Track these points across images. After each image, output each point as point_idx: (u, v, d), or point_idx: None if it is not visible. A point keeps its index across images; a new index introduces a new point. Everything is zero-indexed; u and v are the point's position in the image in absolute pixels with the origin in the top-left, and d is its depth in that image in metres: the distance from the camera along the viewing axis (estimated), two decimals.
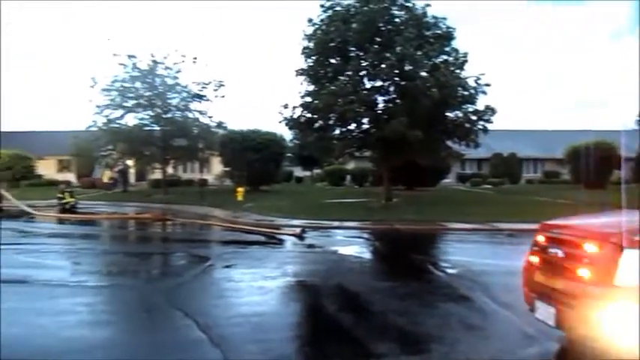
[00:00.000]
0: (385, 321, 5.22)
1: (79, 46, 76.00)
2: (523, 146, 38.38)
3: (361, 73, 17.45)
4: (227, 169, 28.10)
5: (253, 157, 24.58)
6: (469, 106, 17.69)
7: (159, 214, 15.94)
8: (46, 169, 35.27)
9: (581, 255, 3.43)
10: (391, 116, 16.57)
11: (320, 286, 6.94)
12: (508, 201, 20.17)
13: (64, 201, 17.84)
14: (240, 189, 20.13)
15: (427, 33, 17.72)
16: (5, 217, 15.89)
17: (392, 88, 17.79)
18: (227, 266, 8.05)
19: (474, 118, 17.69)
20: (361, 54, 17.56)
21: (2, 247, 10.41)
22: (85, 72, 68.30)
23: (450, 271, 7.92)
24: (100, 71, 38.75)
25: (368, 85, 17.86)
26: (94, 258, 9.66)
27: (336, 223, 13.75)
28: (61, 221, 15.68)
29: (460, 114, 17.80)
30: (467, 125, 17.69)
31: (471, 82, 17.47)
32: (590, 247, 3.37)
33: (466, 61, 17.67)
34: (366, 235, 12.39)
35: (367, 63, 17.36)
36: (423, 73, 16.63)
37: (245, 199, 19.21)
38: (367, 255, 10.44)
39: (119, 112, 24.04)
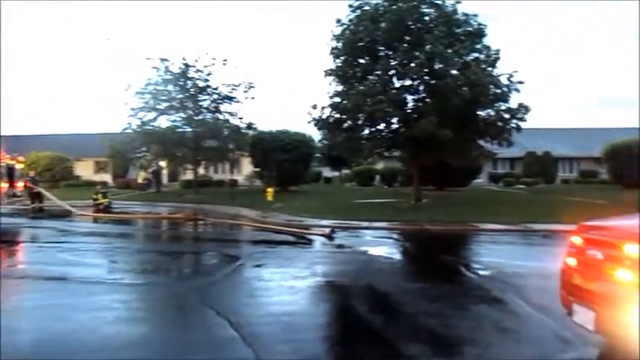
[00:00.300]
0: (416, 322, 5.18)
1: (101, 47, 78.17)
2: (558, 145, 37.25)
3: (390, 73, 17.32)
4: (257, 169, 28.41)
5: (282, 158, 24.79)
6: (502, 104, 17.31)
7: (190, 213, 16.27)
8: (84, 170, 36.53)
9: (621, 257, 3.32)
10: (421, 115, 16.39)
11: (350, 286, 6.93)
12: (542, 201, 19.64)
13: (98, 202, 18.43)
14: (269, 189, 20.31)
15: (457, 30, 17.43)
16: (46, 217, 16.57)
17: (421, 87, 17.61)
18: (257, 265, 8.14)
19: (506, 116, 17.30)
20: (390, 53, 17.44)
21: (44, 244, 10.90)
22: (100, 73, 70.67)
23: (482, 272, 7.77)
24: (134, 75, 39.89)
25: (397, 84, 17.71)
26: (129, 256, 9.94)
27: (365, 224, 13.69)
28: (96, 220, 16.19)
29: (492, 112, 17.45)
30: (499, 124, 17.31)
31: (504, 80, 17.09)
32: (631, 249, 3.26)
33: (498, 58, 17.29)
34: (395, 236, 12.30)
35: (396, 62, 17.22)
36: (454, 72, 16.36)
37: (274, 200, 19.38)
38: (397, 256, 10.36)
39: (152, 115, 24.65)
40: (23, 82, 74.42)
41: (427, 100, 17.38)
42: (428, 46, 16.25)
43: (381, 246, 10.65)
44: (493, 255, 9.68)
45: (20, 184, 17.20)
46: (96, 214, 17.13)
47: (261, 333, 4.74)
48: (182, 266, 9.12)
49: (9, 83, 71.09)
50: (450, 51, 16.33)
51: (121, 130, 25.13)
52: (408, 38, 17.20)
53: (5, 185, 14.82)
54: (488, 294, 6.26)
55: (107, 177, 35.26)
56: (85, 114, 76.46)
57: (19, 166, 16.88)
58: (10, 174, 15.51)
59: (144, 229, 15.04)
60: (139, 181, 30.10)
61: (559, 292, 4.08)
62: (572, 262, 3.92)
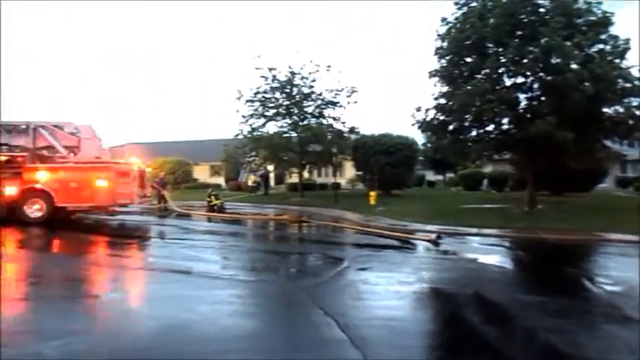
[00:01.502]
0: (535, 338, 4.83)
1: (217, 59, 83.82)
2: None
3: (500, 70, 16.35)
4: (359, 173, 28.61)
5: (385, 161, 24.67)
6: (633, 99, 15.44)
7: (295, 215, 16.90)
8: (201, 173, 39.79)
9: None
10: (535, 115, 15.25)
11: (459, 294, 6.67)
12: None
13: (212, 203, 19.88)
14: (372, 193, 20.33)
15: (578, 21, 15.93)
16: (169, 215, 18.33)
17: (536, 85, 16.37)
18: (362, 269, 8.18)
19: (638, 113, 15.40)
20: (500, 50, 16.45)
21: (169, 241, 12.07)
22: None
23: (610, 288, 7.00)
24: (245, 84, 42.45)
25: (508, 82, 16.66)
26: (242, 254, 10.59)
27: (473, 230, 13.08)
28: (210, 220, 17.50)
29: (621, 109, 15.63)
30: (630, 122, 15.45)
31: (635, 73, 15.24)
32: None
33: (628, 48, 15.43)
34: (507, 244, 11.57)
35: (507, 59, 16.19)
36: (574, 66, 14.98)
37: (377, 203, 19.34)
38: (510, 265, 9.73)
39: (261, 121, 26.07)
40: (154, 96, 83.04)
41: (542, 98, 16.12)
42: (543, 40, 15.05)
43: (492, 254, 10.09)
44: (623, 269, 8.67)
45: (150, 186, 19.27)
46: (210, 214, 18.52)
47: (368, 336, 4.77)
48: (290, 266, 9.49)
49: (141, 96, 79.94)
50: (568, 44, 14.98)
51: (233, 136, 26.99)
52: (519, 33, 16.11)
53: (138, 187, 16.66)
54: (619, 312, 5.63)
55: (221, 180, 38.04)
56: (203, 122, 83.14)
57: (148, 170, 18.91)
58: (142, 177, 17.44)
59: (253, 229, 15.93)
60: (249, 183, 31.96)
61: None
62: None
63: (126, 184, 15.45)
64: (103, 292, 6.95)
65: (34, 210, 14.41)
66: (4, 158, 14.80)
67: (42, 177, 14.64)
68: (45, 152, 15.82)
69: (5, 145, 15.37)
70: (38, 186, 14.51)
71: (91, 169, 14.98)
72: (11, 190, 14.27)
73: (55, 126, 15.56)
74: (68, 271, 8.22)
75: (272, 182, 34.31)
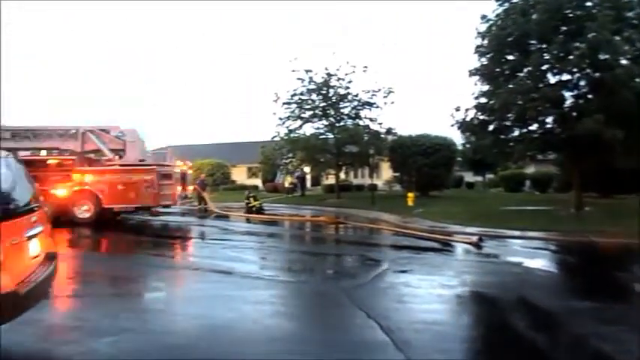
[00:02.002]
0: (587, 346, 4.63)
1: (255, 63, 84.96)
2: None
3: (544, 68, 15.80)
4: (396, 174, 28.34)
5: (422, 162, 24.34)
6: None
7: (332, 217, 16.90)
8: (239, 175, 40.44)
9: None
10: (582, 113, 14.66)
11: (504, 299, 6.49)
12: None
13: (251, 204, 20.14)
14: (410, 194, 20.09)
15: (628, 14, 15.20)
16: (209, 216, 18.72)
17: (582, 82, 15.73)
18: (403, 271, 8.09)
19: None
20: (544, 46, 15.90)
21: (210, 241, 12.32)
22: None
23: None
24: (282, 86, 42.90)
25: (552, 80, 16.08)
26: (281, 255, 10.70)
27: (516, 233, 12.69)
28: (248, 221, 17.75)
29: None
30: None
31: None
32: None
33: None
34: (552, 247, 11.16)
35: (551, 56, 15.64)
36: (623, 61, 14.31)
37: (415, 205, 19.09)
38: (558, 269, 9.40)
39: (298, 123, 26.23)
40: (194, 99, 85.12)
41: (589, 95, 15.48)
42: (590, 35, 14.45)
43: (538, 258, 9.75)
44: None
45: (191, 188, 19.76)
46: (248, 215, 18.80)
47: (412, 339, 4.70)
48: (329, 267, 9.49)
49: (181, 100, 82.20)
50: (618, 38, 14.32)
51: (270, 138, 27.29)
52: (565, 28, 15.52)
53: (179, 188, 17.14)
54: None
55: (258, 181, 38.53)
56: (241, 125, 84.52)
57: (190, 172, 19.39)
58: (183, 178, 17.92)
59: (291, 230, 16.04)
60: (286, 185, 32.23)
61: None
62: None
63: (168, 185, 15.91)
64: (149, 291, 7.17)
65: (83, 211, 15.06)
66: (55, 161, 15.52)
67: (90, 179, 15.27)
68: (92, 155, 16.48)
69: (56, 149, 16.13)
70: (86, 188, 15.14)
71: (135, 172, 15.51)
72: (62, 192, 14.94)
73: (102, 130, 16.20)
74: (115, 270, 8.55)
75: (308, 184, 34.45)
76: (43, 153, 16.20)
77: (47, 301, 4.60)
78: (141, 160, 16.11)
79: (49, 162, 15.47)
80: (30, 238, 4.38)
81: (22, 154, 14.20)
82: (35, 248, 4.52)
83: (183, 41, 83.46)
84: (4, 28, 54.76)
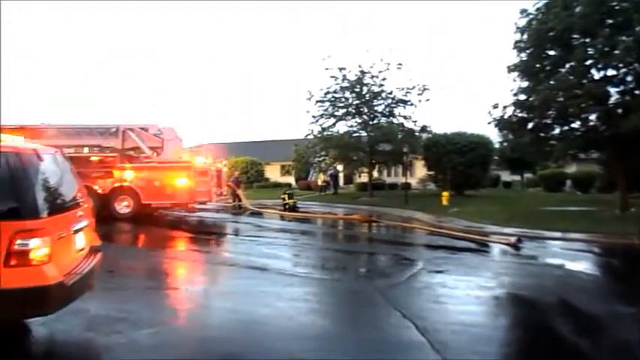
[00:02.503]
0: (633, 352, 4.43)
1: (287, 61, 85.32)
2: None
3: (587, 63, 15.20)
4: (430, 172, 27.94)
5: (458, 161, 23.87)
6: None
7: (365, 215, 16.82)
8: (272, 173, 40.83)
9: None
10: (628, 110, 14.02)
11: (545, 302, 6.29)
12: None
13: (286, 202, 20.30)
14: (445, 193, 19.75)
15: None
16: (243, 213, 18.98)
17: (629, 77, 15.04)
18: (439, 271, 7.96)
19: None
20: (587, 41, 15.30)
21: (245, 238, 12.48)
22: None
23: None
24: (315, 84, 42.93)
25: (597, 75, 15.46)
26: (314, 253, 10.73)
27: (557, 234, 12.26)
28: (282, 218, 17.88)
29: None
30: None
31: None
32: None
33: None
34: (596, 250, 10.73)
35: (595, 50, 15.02)
36: None
37: (449, 204, 18.75)
38: (602, 273, 9.03)
39: (331, 121, 26.24)
40: (228, 97, 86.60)
41: (636, 91, 14.79)
42: (638, 28, 13.80)
43: (580, 260, 9.41)
44: None
45: (226, 185, 20.09)
46: (283, 213, 18.94)
47: (449, 341, 4.62)
48: (363, 266, 9.45)
49: (216, 98, 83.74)
50: None
51: (303, 136, 27.40)
52: (610, 21, 14.88)
53: (215, 185, 17.43)
54: None
55: (291, 179, 38.78)
56: (274, 123, 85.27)
57: (225, 170, 19.70)
58: (219, 176, 18.23)
59: (324, 228, 16.06)
60: (319, 183, 32.28)
61: None
62: None
63: (204, 182, 16.22)
64: (187, 285, 7.34)
65: (123, 206, 15.54)
66: (97, 159, 16.08)
67: (130, 176, 15.74)
68: (132, 153, 16.98)
69: (98, 146, 16.71)
70: (126, 184, 15.61)
71: (173, 169, 15.89)
72: (103, 188, 15.47)
73: (142, 128, 16.66)
74: (154, 264, 8.79)
75: (341, 182, 34.39)
76: (86, 150, 16.81)
77: (91, 292, 4.74)
78: (178, 158, 16.48)
79: (91, 159, 16.03)
80: (76, 231, 4.55)
81: (66, 151, 14.75)
82: (81, 242, 4.69)
83: (221, 40, 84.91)
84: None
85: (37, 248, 3.75)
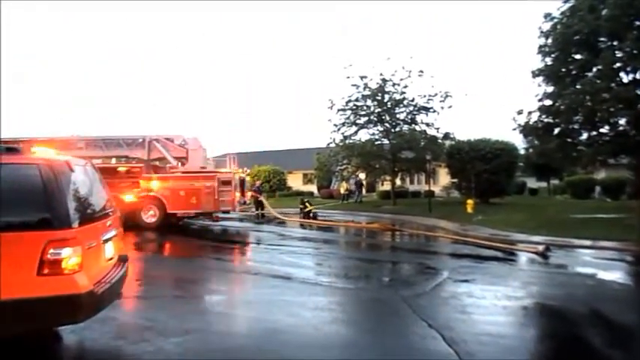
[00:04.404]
0: None
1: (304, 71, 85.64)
2: None
3: (616, 66, 14.86)
4: (454, 180, 27.60)
5: (482, 168, 23.50)
6: None
7: (388, 224, 16.69)
8: (294, 181, 40.99)
9: None
10: None
11: (576, 313, 6.11)
12: None
13: (307, 210, 20.33)
14: (469, 201, 19.46)
15: None
16: (266, 222, 19.08)
17: None
18: (465, 280, 7.82)
19: None
20: (615, 44, 14.98)
21: (268, 246, 12.53)
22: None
23: None
24: (337, 93, 42.98)
25: (625, 79, 15.10)
26: (337, 261, 10.67)
27: (586, 243, 11.92)
28: (303, 226, 17.89)
29: None
30: None
31: None
32: None
33: None
34: (628, 258, 10.39)
35: (624, 53, 14.69)
36: None
37: (474, 212, 18.46)
38: (635, 282, 8.73)
39: (353, 129, 26.27)
40: (249, 107, 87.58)
41: None
42: None
43: (612, 270, 9.12)
44: None
45: (249, 194, 20.27)
46: (305, 221, 18.96)
47: (477, 352, 4.53)
48: (387, 275, 9.36)
49: (237, 107, 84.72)
50: None
51: (325, 144, 27.46)
52: (639, 23, 14.54)
53: (238, 194, 17.62)
54: None
55: (313, 188, 38.85)
56: (296, 132, 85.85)
57: (248, 178, 19.88)
58: (242, 185, 18.41)
59: (346, 237, 16.00)
60: (341, 191, 32.22)
61: None
62: None
63: (228, 191, 16.39)
64: (212, 294, 7.39)
65: (149, 216, 15.83)
66: (124, 169, 16.44)
67: (155, 186, 16.04)
68: (157, 163, 17.31)
69: (125, 157, 17.10)
70: (152, 194, 15.91)
71: (197, 178, 16.14)
72: (130, 198, 15.78)
73: (167, 139, 16.98)
74: (179, 272, 8.91)
75: (363, 190, 34.28)
76: (113, 161, 17.21)
77: (119, 301, 4.82)
78: (202, 168, 16.71)
79: (118, 169, 16.40)
80: (105, 241, 4.65)
81: (94, 161, 15.13)
82: (110, 251, 4.79)
83: (246, 49, 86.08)
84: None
85: (69, 257, 3.84)
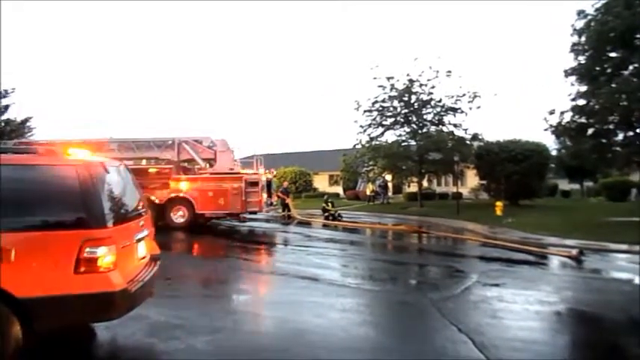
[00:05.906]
0: None
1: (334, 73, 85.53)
2: None
3: None
4: (482, 182, 27.10)
5: (512, 170, 22.98)
6: None
7: (414, 226, 16.50)
8: (320, 182, 41.04)
9: None
10: None
11: (613, 319, 5.91)
12: None
13: (330, 211, 20.27)
14: (498, 203, 19.06)
15: None
16: (292, 223, 19.16)
17: None
18: (495, 284, 7.66)
19: None
20: None
21: (295, 247, 12.58)
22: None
23: None
24: (363, 94, 42.82)
25: None
26: (364, 263, 10.62)
27: (623, 247, 11.50)
28: (327, 227, 17.86)
29: None
30: None
31: None
32: None
33: None
34: None
35: None
36: None
37: (504, 214, 18.07)
38: None
39: (379, 131, 26.09)
40: (277, 108, 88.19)
41: None
42: None
43: None
44: None
45: (276, 195, 20.41)
46: (331, 222, 18.94)
47: (509, 358, 4.44)
48: (415, 277, 9.27)
49: (264, 109, 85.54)
50: None
51: (352, 146, 27.39)
52: None
53: (265, 196, 17.77)
54: None
55: (339, 189, 38.81)
56: (323, 133, 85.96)
57: (274, 180, 20.01)
58: (269, 186, 18.56)
59: (372, 238, 15.90)
60: (367, 193, 32.10)
61: None
62: None
63: (255, 193, 16.56)
64: (240, 294, 7.48)
65: (178, 216, 16.14)
66: (154, 170, 16.81)
67: (184, 187, 16.34)
68: (187, 164, 17.63)
69: (155, 158, 17.48)
70: (181, 195, 16.21)
71: (225, 180, 16.36)
72: (160, 199, 16.12)
73: (196, 141, 17.28)
74: (208, 272, 9.04)
75: (390, 191, 34.05)
76: (144, 162, 17.61)
77: (151, 299, 4.93)
78: (230, 169, 16.93)
79: (149, 170, 16.77)
80: (138, 240, 4.76)
81: (127, 163, 15.52)
82: (142, 250, 4.90)
83: (272, 50, 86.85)
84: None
85: (104, 256, 3.95)
